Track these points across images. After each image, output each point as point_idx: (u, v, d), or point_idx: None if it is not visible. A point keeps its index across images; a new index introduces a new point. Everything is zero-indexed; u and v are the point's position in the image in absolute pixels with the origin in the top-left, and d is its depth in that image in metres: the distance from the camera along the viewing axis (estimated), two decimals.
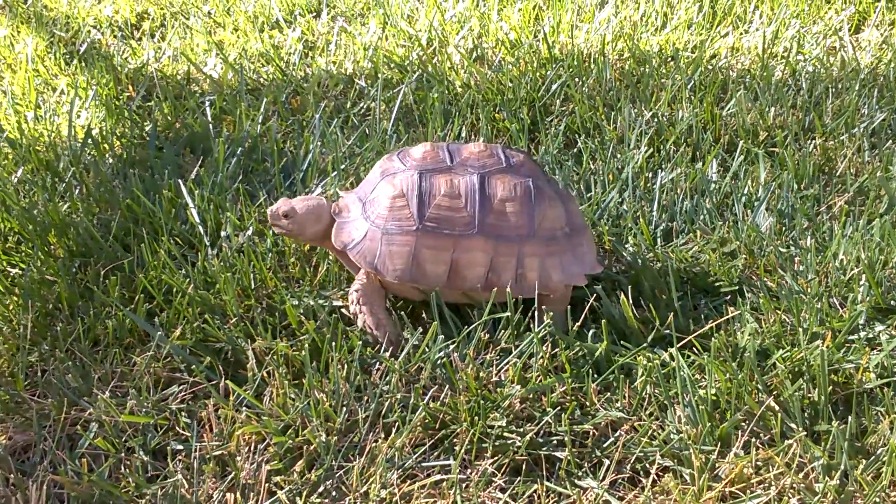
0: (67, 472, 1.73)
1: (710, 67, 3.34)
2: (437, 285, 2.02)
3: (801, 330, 1.98)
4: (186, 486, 1.70)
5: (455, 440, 1.80)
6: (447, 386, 1.89)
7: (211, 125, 2.97)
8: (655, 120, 2.96)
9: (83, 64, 3.54)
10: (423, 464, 1.76)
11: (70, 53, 3.66)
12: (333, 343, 1.93)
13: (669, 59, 3.47)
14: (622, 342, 2.01)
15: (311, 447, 1.78)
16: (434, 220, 2.01)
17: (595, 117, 3.00)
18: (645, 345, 1.97)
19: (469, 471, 1.75)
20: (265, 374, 1.91)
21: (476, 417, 1.79)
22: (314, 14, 4.04)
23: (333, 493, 1.71)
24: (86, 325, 2.06)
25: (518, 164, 2.08)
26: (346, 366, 1.91)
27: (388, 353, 1.98)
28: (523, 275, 2.03)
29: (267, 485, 1.71)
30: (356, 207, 2.09)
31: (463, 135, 2.91)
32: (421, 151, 2.09)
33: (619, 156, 2.77)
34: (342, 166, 2.67)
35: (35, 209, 2.41)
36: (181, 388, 1.93)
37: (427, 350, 1.93)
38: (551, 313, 2.01)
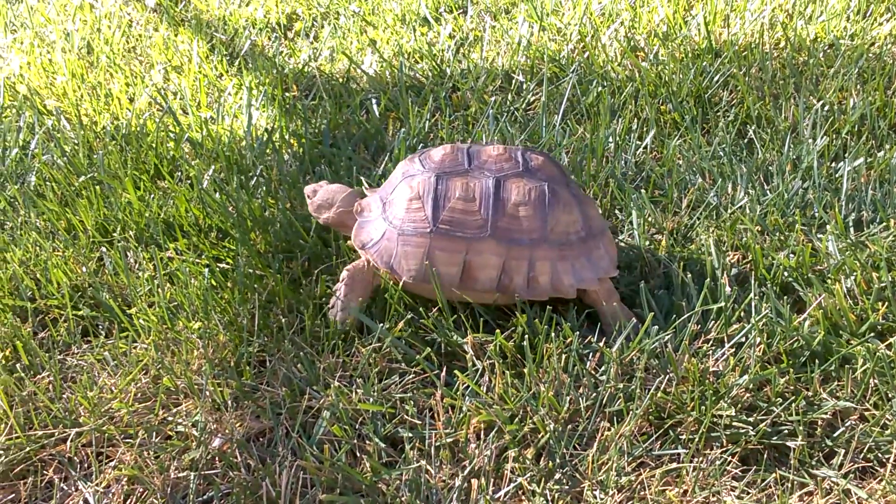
0: (308, 458, 1.81)
1: (872, 55, 3.29)
2: (450, 286, 2.07)
3: None
4: (431, 472, 1.76)
5: (680, 429, 1.83)
6: (665, 376, 1.91)
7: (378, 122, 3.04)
8: (826, 109, 2.93)
9: (246, 64, 3.65)
10: (653, 452, 1.79)
11: (231, 55, 3.77)
12: (550, 334, 1.98)
13: (828, 47, 3.43)
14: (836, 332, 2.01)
15: (540, 435, 1.82)
16: (448, 222, 2.06)
17: (762, 107, 2.98)
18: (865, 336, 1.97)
19: (696, 459, 1.77)
20: (486, 365, 1.96)
21: (703, 407, 1.82)
22: (461, 10, 4.09)
23: (568, 482, 1.75)
24: (301, 318, 2.14)
25: (536, 168, 2.11)
26: (563, 356, 1.95)
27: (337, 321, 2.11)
28: (535, 278, 2.06)
29: (502, 472, 1.77)
30: (377, 207, 2.16)
31: (634, 128, 2.92)
32: (440, 154, 2.13)
33: (793, 146, 2.75)
34: None
35: (232, 206, 2.50)
36: (402, 377, 1.99)
37: (644, 340, 1.95)
38: (616, 317, 2.08)
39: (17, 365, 2.08)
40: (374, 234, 2.12)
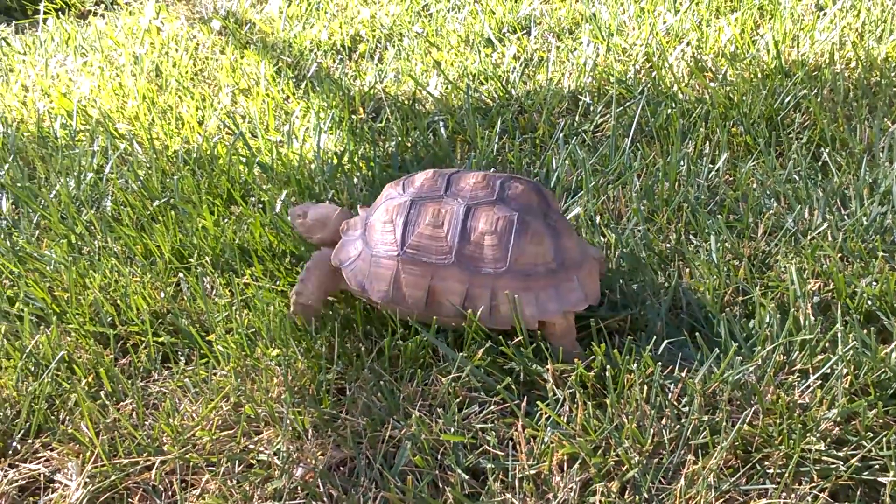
0: (391, 489, 1.81)
1: None
2: (417, 310, 2.10)
3: None
4: None
5: (767, 463, 1.80)
6: (750, 408, 1.88)
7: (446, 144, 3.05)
8: None
9: (312, 87, 3.67)
10: (740, 487, 1.76)
11: (297, 77, 3.81)
12: (633, 365, 1.96)
13: None
14: None
15: (624, 468, 1.81)
16: (415, 246, 2.09)
17: (836, 129, 2.94)
18: None
19: (784, 495, 1.74)
20: (567, 395, 1.95)
21: (791, 441, 1.79)
22: (524, 31, 4.09)
23: None
24: (379, 344, 2.14)
25: (512, 197, 2.11)
26: (644, 387, 1.93)
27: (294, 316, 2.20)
28: (497, 307, 2.06)
29: None
30: (359, 228, 2.21)
31: (706, 150, 2.89)
32: (422, 179, 2.17)
33: (868, 169, 2.71)
34: (591, 184, 2.69)
35: None
36: (482, 407, 1.98)
37: (727, 371, 1.93)
38: (561, 348, 2.07)
39: (101, 392, 2.11)
40: (351, 254, 2.18)
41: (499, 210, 2.08)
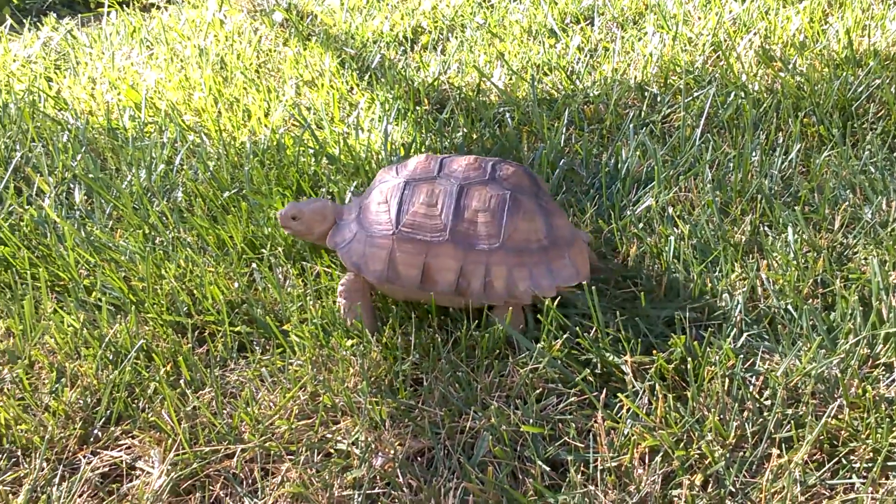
0: (471, 479, 1.81)
1: None
2: (411, 287, 2.14)
3: None
4: (599, 496, 1.74)
5: (854, 458, 1.77)
6: (835, 402, 1.86)
7: (513, 136, 3.04)
8: None
9: (377, 78, 3.68)
10: (826, 482, 1.74)
11: (360, 69, 3.81)
12: (712, 357, 1.94)
13: None
14: None
15: (707, 461, 1.79)
16: (410, 225, 2.14)
17: None
18: None
19: (872, 490, 1.71)
20: (646, 387, 1.93)
21: (878, 434, 1.76)
22: (588, 21, 4.06)
23: None
24: (455, 335, 2.14)
25: (503, 178, 2.18)
26: (725, 380, 1.91)
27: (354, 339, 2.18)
28: (490, 283, 2.11)
29: (670, 498, 1.74)
30: (354, 212, 2.26)
31: (779, 141, 2.85)
32: (415, 162, 2.25)
33: None
34: (662, 175, 2.66)
35: None
36: (560, 399, 1.97)
37: (811, 364, 1.90)
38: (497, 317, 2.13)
39: (181, 381, 2.13)
40: (346, 236, 2.23)
41: (491, 189, 2.15)
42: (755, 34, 3.60)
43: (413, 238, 2.14)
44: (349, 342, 2.15)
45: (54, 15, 5.22)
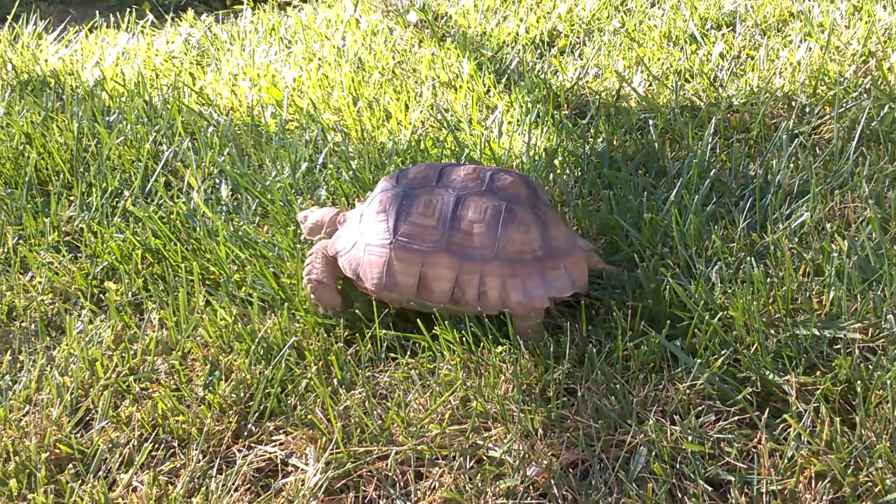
0: (629, 495, 1.78)
1: None
2: (408, 296, 2.19)
3: None
4: None
5: None
6: None
7: (656, 143, 2.98)
8: None
9: (515, 81, 3.66)
10: None
11: (497, 71, 3.80)
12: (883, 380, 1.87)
13: None
14: None
15: (877, 489, 1.72)
16: (407, 235, 2.19)
17: None
18: None
19: None
20: (811, 409, 1.87)
21: None
22: (729, 28, 3.97)
23: None
24: (607, 346, 2.11)
25: (501, 188, 2.20)
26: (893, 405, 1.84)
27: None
28: (485, 293, 2.15)
29: None
30: (355, 219, 2.31)
31: None
32: (414, 172, 2.29)
33: None
34: (817, 189, 2.58)
35: None
36: (719, 416, 1.93)
37: None
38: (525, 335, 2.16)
39: (333, 380, 2.15)
40: (347, 243, 2.29)
41: (487, 199, 2.17)
42: None
43: (410, 247, 2.18)
44: (498, 348, 2.14)
45: (192, 11, 5.34)
